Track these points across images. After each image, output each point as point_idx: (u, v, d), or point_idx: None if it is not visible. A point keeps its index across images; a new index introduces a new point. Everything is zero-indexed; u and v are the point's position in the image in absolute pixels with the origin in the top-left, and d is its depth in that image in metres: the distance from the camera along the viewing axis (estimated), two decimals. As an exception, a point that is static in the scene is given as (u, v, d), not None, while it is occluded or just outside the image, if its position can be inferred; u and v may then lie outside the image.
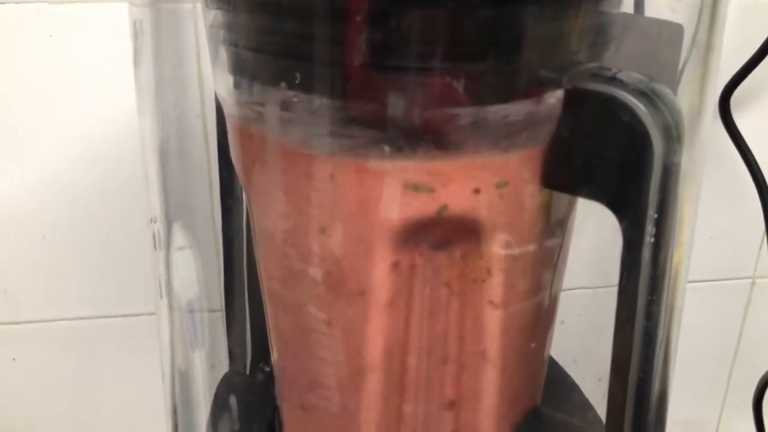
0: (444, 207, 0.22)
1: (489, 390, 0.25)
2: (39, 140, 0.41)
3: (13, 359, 0.48)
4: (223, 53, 0.23)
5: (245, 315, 0.32)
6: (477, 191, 0.22)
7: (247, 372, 0.34)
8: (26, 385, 0.49)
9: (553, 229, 0.25)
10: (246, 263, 0.33)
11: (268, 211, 0.25)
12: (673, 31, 0.25)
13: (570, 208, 0.26)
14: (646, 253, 0.21)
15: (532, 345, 0.26)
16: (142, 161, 0.26)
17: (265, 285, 0.27)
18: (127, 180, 0.42)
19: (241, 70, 0.24)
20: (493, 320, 0.24)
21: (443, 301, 0.24)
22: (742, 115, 0.45)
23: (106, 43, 0.39)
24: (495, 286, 0.24)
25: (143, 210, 0.41)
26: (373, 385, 0.25)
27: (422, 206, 0.22)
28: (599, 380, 0.29)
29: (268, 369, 0.34)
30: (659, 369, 0.23)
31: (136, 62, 0.24)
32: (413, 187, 0.21)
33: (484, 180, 0.22)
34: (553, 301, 0.27)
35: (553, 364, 0.32)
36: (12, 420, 0.49)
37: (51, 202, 0.43)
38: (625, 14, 0.24)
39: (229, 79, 0.25)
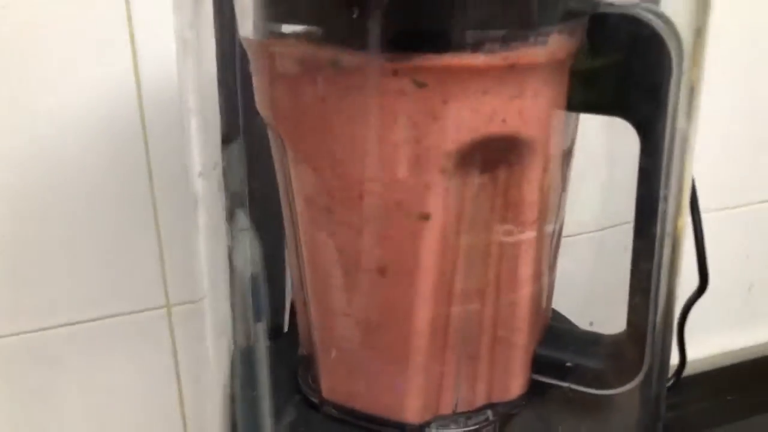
0: (490, 123, 0.24)
1: (524, 297, 0.28)
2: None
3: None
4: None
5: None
6: (513, 107, 0.24)
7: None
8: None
9: (570, 152, 0.28)
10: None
11: (309, 150, 0.26)
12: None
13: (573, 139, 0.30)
14: (666, 153, 0.25)
15: (553, 259, 0.29)
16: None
17: (305, 225, 0.27)
18: (79, 185, 0.40)
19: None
20: (528, 236, 0.27)
21: (486, 219, 0.26)
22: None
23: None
24: (531, 204, 0.26)
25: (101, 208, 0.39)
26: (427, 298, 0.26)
27: (470, 124, 0.24)
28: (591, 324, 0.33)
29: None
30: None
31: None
32: (460, 104, 0.23)
33: (518, 96, 0.24)
34: (562, 223, 0.30)
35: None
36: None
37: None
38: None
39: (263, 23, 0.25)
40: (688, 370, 0.51)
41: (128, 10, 0.38)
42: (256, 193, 0.28)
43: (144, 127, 0.40)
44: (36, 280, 0.41)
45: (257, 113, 0.27)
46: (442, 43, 0.23)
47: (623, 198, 0.29)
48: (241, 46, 0.27)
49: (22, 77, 0.37)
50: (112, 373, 0.44)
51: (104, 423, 0.45)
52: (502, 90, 0.24)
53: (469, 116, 0.23)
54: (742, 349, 0.66)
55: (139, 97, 0.39)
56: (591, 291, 0.36)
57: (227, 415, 0.29)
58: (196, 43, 0.26)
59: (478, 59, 0.23)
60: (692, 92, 0.26)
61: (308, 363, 0.31)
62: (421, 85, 0.23)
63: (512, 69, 0.23)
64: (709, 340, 0.65)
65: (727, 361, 0.65)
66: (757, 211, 0.62)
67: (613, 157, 0.33)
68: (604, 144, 0.32)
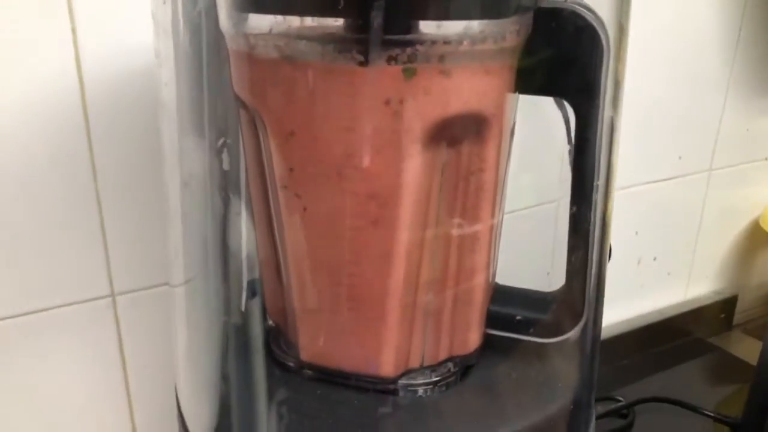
0: (459, 102, 0.27)
1: (481, 261, 0.31)
2: None
3: None
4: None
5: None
6: (478, 88, 0.28)
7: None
8: None
9: (512, 130, 0.32)
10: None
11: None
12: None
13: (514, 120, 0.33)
14: (598, 135, 0.29)
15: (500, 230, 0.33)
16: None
17: (288, 199, 0.29)
18: (20, 176, 0.40)
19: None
20: (486, 197, 0.30)
21: (452, 187, 0.29)
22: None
23: None
24: (488, 169, 0.30)
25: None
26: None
27: (444, 103, 0.27)
28: (548, 274, 0.37)
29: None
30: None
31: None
32: (437, 86, 0.26)
33: (482, 79, 0.28)
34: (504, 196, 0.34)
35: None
36: None
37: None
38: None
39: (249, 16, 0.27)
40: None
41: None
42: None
43: (86, 117, 0.40)
44: (-26, 273, 0.40)
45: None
46: (429, 34, 0.26)
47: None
48: (217, 31, 0.28)
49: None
50: (58, 363, 0.43)
51: (51, 413, 0.45)
52: (473, 74, 0.27)
53: (443, 97, 0.26)
54: (631, 318, 0.74)
55: (81, 85, 0.39)
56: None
57: (216, 394, 0.30)
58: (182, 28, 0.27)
59: (458, 48, 0.26)
60: (617, 85, 0.30)
61: (278, 333, 0.33)
62: (409, 70, 0.26)
63: (480, 54, 0.27)
64: (607, 310, 0.71)
65: (620, 330, 0.72)
66: (642, 192, 0.69)
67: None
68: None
